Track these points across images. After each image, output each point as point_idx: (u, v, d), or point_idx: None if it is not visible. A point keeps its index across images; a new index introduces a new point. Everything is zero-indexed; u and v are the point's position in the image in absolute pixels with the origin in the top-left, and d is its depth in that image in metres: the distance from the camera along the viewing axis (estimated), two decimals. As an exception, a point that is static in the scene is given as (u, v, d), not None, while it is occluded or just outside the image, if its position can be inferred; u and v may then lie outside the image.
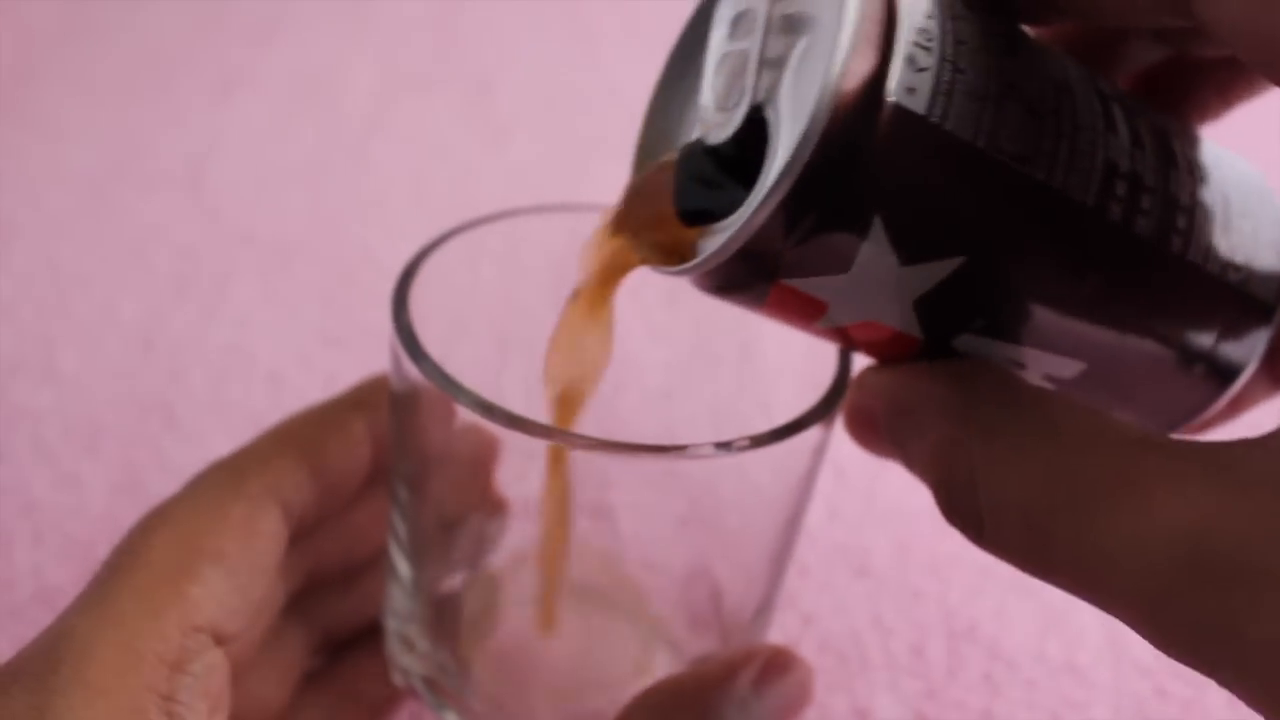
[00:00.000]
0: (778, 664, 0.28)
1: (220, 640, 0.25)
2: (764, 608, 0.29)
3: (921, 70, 0.19)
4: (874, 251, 0.20)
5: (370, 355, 0.38)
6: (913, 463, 0.23)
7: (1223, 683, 0.18)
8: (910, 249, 0.20)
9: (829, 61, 0.19)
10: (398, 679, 0.29)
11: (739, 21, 0.22)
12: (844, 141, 0.19)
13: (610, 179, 0.61)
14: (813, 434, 0.25)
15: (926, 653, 0.35)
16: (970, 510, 0.21)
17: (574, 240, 0.25)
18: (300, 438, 0.27)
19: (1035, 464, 0.20)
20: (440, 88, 0.63)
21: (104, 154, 0.56)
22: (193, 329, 0.46)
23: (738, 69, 0.21)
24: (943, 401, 0.22)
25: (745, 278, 0.21)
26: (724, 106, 0.21)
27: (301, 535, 0.28)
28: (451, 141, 0.58)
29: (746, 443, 0.24)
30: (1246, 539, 0.17)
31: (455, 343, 0.28)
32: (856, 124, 0.19)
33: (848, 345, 0.24)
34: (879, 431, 0.24)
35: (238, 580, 0.25)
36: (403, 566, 0.28)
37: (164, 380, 0.43)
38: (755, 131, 0.21)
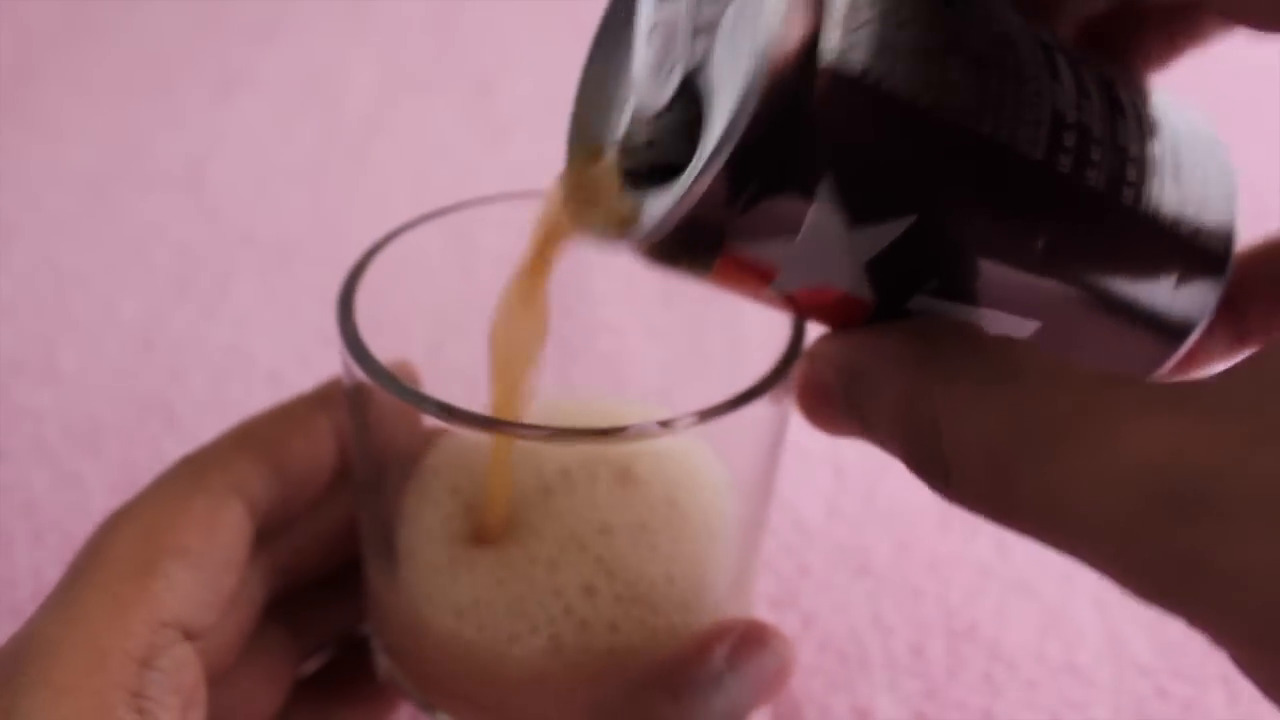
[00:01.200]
0: (753, 638, 0.27)
1: (190, 635, 0.25)
2: (739, 583, 0.29)
3: (857, 29, 0.19)
4: (821, 214, 0.20)
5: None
6: (873, 425, 0.22)
7: (1191, 620, 0.17)
8: (858, 210, 0.20)
9: (761, 25, 0.18)
10: (383, 677, 0.29)
11: None
12: (783, 106, 0.18)
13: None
14: (763, 406, 0.24)
15: (926, 653, 0.35)
16: (935, 458, 0.20)
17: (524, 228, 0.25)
18: (262, 435, 0.27)
19: (999, 405, 0.19)
20: (440, 88, 0.63)
21: (104, 154, 0.56)
22: (193, 329, 0.46)
23: (669, 36, 0.21)
24: (899, 356, 0.21)
25: (690, 248, 0.21)
26: (657, 75, 0.21)
27: (270, 532, 0.27)
28: (451, 141, 0.58)
29: (692, 419, 0.24)
30: (1215, 468, 0.17)
31: (403, 339, 0.28)
32: (794, 88, 0.18)
33: (799, 312, 0.24)
34: (835, 404, 0.23)
35: (203, 574, 0.25)
36: (370, 564, 0.28)
37: (164, 380, 0.43)
38: (690, 98, 0.20)
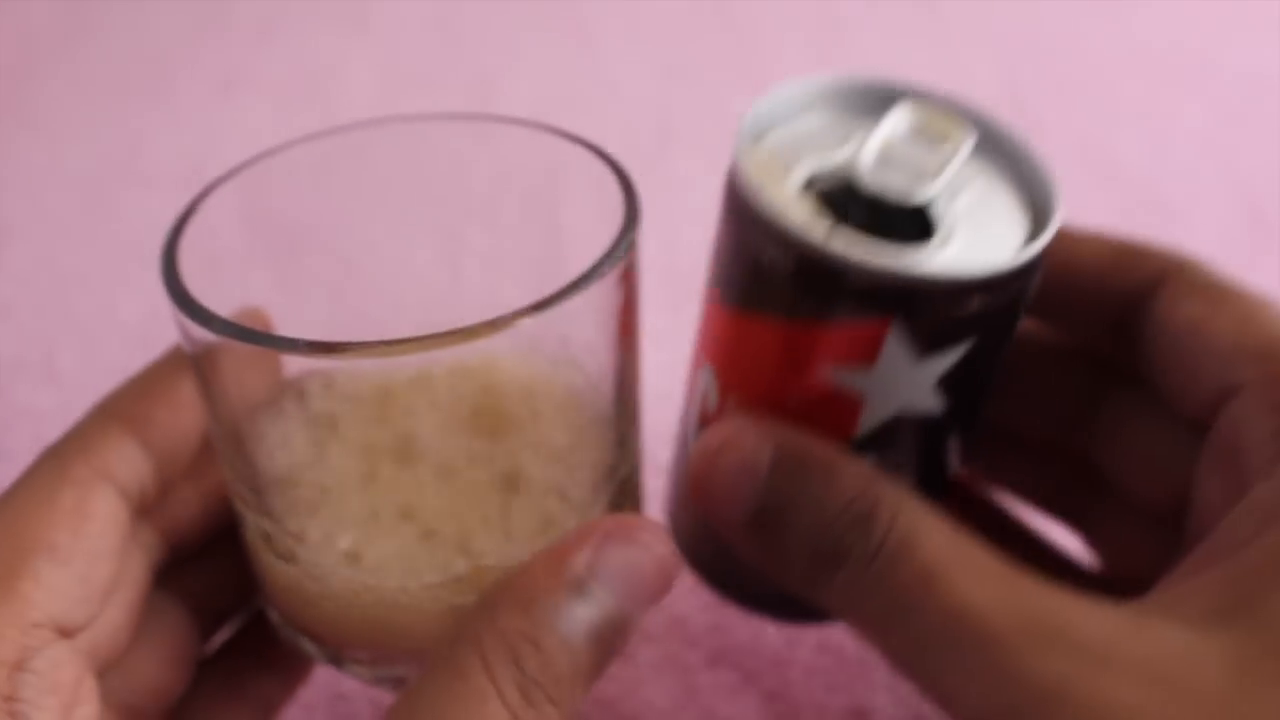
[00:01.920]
0: (617, 536, 0.24)
1: (65, 632, 0.24)
2: (605, 480, 0.28)
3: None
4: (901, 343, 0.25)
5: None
6: (773, 553, 0.25)
7: None
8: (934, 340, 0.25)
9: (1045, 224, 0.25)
10: (281, 636, 0.29)
11: (922, 131, 0.27)
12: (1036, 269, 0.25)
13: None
14: (591, 295, 0.24)
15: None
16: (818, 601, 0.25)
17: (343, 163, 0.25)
18: (124, 411, 0.27)
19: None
20: (440, 88, 0.63)
21: (104, 154, 0.56)
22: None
23: (919, 166, 0.26)
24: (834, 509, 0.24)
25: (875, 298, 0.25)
26: (895, 179, 0.26)
27: (148, 508, 0.27)
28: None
29: (529, 312, 0.23)
30: None
31: (233, 283, 0.27)
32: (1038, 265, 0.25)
33: (808, 370, 0.26)
34: (734, 503, 0.25)
35: (74, 570, 0.24)
36: (244, 522, 0.28)
37: (164, 380, 0.43)
38: (922, 213, 0.26)
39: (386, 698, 0.33)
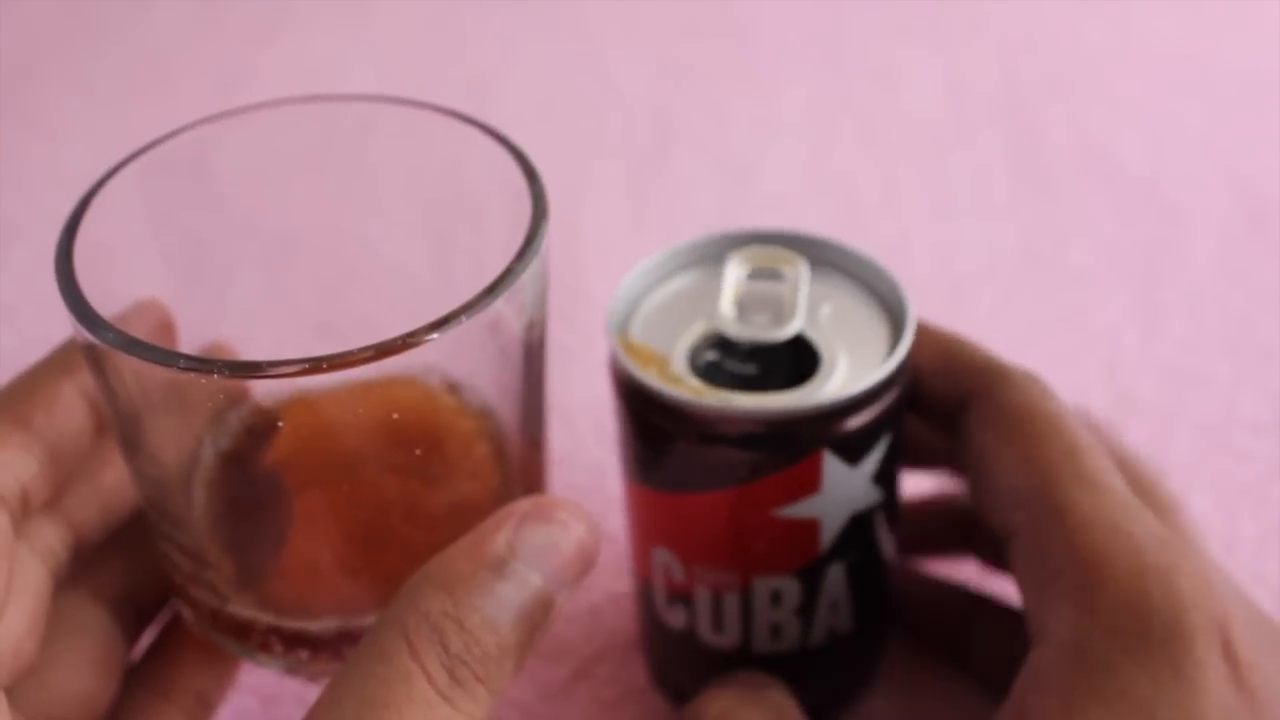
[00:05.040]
0: (538, 515, 0.24)
1: None
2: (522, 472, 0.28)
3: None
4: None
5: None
6: None
7: None
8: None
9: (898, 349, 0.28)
10: (199, 633, 0.29)
11: (760, 274, 0.30)
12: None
13: (610, 178, 0.62)
14: (490, 313, 0.24)
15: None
16: None
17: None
18: (3, 416, 0.26)
19: None
20: (440, 88, 0.62)
21: (104, 154, 0.56)
22: (193, 329, 0.46)
23: (775, 302, 0.29)
24: None
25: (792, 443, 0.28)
26: (756, 321, 0.29)
27: (36, 511, 0.26)
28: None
29: (430, 330, 0.23)
30: None
31: (131, 281, 0.27)
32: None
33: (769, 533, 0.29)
34: None
35: None
36: (154, 519, 0.27)
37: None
38: (791, 349, 0.29)
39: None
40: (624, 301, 0.30)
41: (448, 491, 0.28)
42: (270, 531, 0.28)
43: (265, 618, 0.27)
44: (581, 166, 0.55)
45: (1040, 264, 0.50)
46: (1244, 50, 0.64)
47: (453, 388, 0.28)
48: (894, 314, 0.29)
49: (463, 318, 0.23)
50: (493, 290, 0.24)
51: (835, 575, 0.30)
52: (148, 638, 0.30)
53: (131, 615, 0.29)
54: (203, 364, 0.23)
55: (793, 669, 0.31)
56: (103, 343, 0.23)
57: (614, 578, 0.37)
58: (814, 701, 0.30)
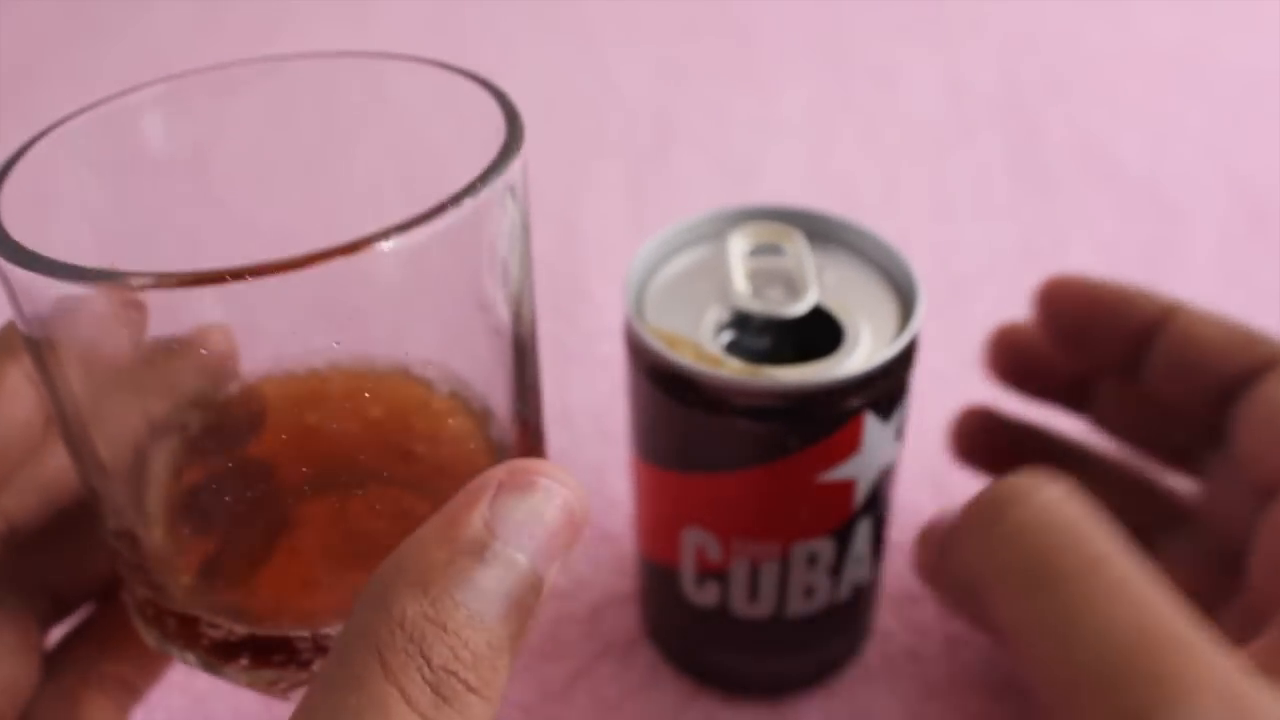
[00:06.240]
0: (514, 484, 0.21)
1: None
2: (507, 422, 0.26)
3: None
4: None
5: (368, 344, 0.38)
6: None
7: None
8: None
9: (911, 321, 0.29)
10: (137, 624, 0.27)
11: (763, 250, 0.31)
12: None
13: (610, 178, 0.62)
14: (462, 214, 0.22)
15: (925, 654, 0.35)
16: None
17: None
18: None
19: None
20: (440, 88, 0.62)
21: (104, 154, 0.56)
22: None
23: (783, 276, 0.30)
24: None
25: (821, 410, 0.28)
26: (772, 296, 0.29)
27: None
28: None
29: (399, 230, 0.21)
30: None
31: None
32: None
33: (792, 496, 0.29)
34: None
35: None
36: (101, 512, 0.26)
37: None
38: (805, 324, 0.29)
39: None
40: (636, 287, 0.30)
41: (441, 496, 0.28)
42: (239, 531, 0.26)
43: (215, 618, 0.26)
44: (581, 166, 0.55)
45: (1040, 264, 0.50)
46: (1244, 50, 0.64)
47: (451, 390, 0.28)
48: (891, 275, 0.30)
49: (422, 225, 0.21)
50: (457, 199, 0.21)
51: (863, 529, 0.30)
52: (72, 623, 0.30)
53: (47, 603, 0.28)
54: (114, 275, 0.20)
55: (820, 627, 0.32)
56: (7, 259, 0.20)
57: (614, 577, 0.37)
58: (834, 655, 0.32)
